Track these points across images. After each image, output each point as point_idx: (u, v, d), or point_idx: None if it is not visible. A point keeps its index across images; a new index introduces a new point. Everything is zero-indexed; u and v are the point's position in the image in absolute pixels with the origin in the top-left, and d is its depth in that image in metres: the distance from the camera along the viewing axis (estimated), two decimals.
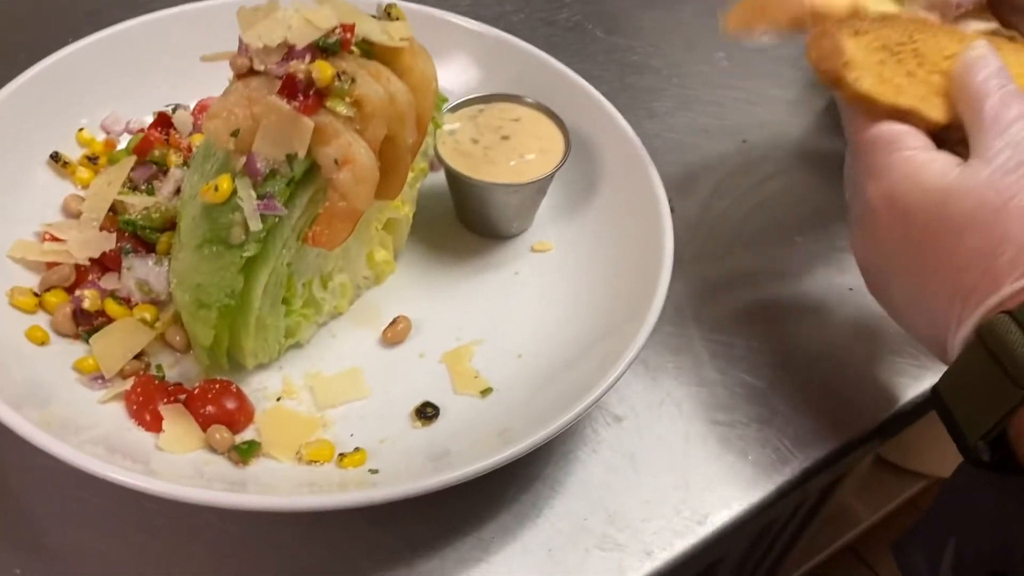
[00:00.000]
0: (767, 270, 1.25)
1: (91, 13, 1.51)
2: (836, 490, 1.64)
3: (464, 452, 0.91)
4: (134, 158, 1.12)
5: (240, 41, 0.90)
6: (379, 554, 0.91)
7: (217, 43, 1.20)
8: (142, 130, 1.20)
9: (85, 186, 1.13)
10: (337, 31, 0.89)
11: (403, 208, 1.09)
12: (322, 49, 0.88)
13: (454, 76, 1.24)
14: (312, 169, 0.90)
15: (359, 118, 0.89)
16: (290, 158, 0.88)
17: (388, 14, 0.99)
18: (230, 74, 1.14)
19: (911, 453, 2.35)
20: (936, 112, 0.86)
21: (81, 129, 1.17)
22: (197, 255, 0.91)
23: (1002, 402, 0.73)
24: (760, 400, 1.09)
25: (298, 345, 1.03)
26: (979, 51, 0.84)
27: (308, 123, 0.85)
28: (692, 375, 1.11)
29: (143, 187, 1.12)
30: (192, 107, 1.22)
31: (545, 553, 0.93)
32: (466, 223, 1.18)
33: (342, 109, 0.87)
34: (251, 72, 0.89)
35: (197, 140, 1.16)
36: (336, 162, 0.88)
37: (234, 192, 0.87)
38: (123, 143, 1.19)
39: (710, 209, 1.33)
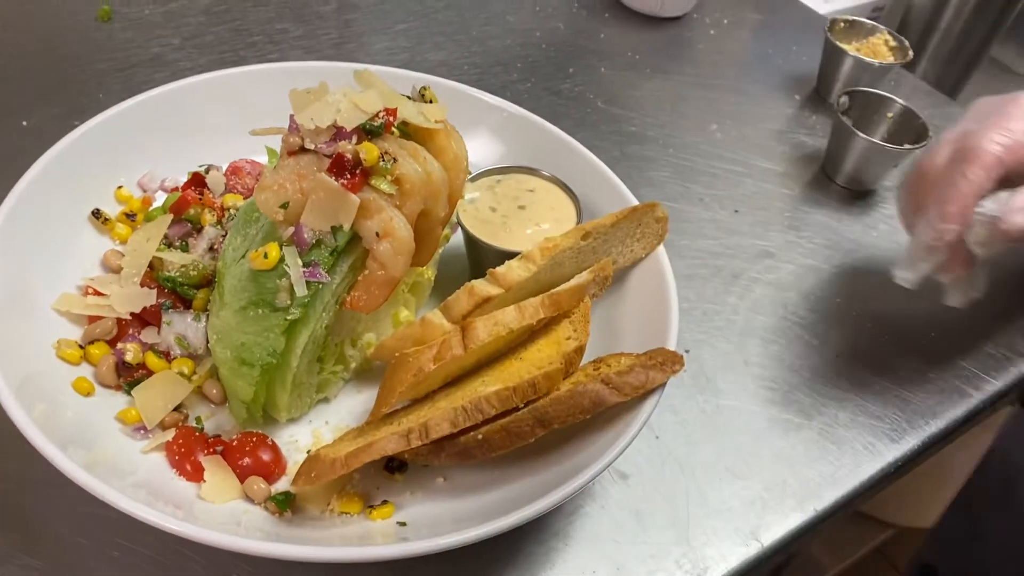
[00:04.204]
0: (762, 336, 1.34)
1: (121, 70, 1.59)
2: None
3: (484, 509, 0.97)
4: (170, 216, 1.18)
5: (291, 120, 0.97)
6: None
7: (249, 108, 1.28)
8: (176, 188, 1.26)
9: (123, 241, 1.19)
10: (381, 114, 0.97)
11: (427, 272, 1.16)
12: (367, 131, 0.96)
13: (475, 147, 1.32)
14: (353, 240, 0.97)
15: (399, 195, 0.96)
16: (335, 230, 0.95)
17: (422, 95, 1.07)
18: (261, 139, 1.23)
19: (880, 502, 2.44)
20: None
21: (120, 187, 1.23)
22: (242, 316, 0.97)
23: None
24: (754, 460, 1.17)
25: (326, 400, 1.10)
26: None
27: (354, 199, 0.93)
28: (692, 434, 1.19)
29: (178, 244, 1.18)
30: (224, 168, 1.29)
31: None
32: None
33: (385, 187, 0.95)
34: (301, 150, 0.96)
35: (229, 200, 1.22)
36: (377, 234, 0.95)
37: (281, 259, 0.94)
38: (158, 200, 1.26)
39: (708, 283, 1.41)
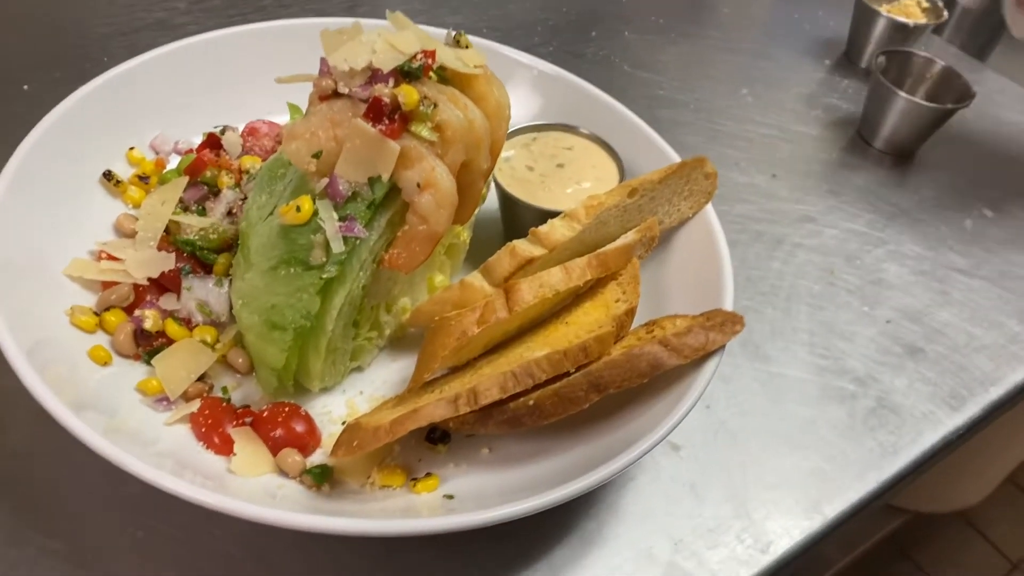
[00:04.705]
0: (808, 303, 1.27)
1: (124, 34, 1.51)
2: None
3: (533, 481, 0.90)
4: (186, 179, 1.11)
5: (323, 62, 0.90)
6: None
7: (265, 66, 1.20)
8: (191, 150, 1.19)
9: (136, 205, 1.12)
10: (419, 56, 0.90)
11: (463, 234, 1.09)
12: (405, 74, 0.89)
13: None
14: (392, 192, 0.89)
15: (440, 143, 0.89)
16: (372, 181, 0.88)
17: (457, 42, 1.00)
18: (282, 98, 1.15)
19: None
20: None
21: (131, 149, 1.16)
22: (271, 276, 0.90)
23: None
24: (810, 428, 1.11)
25: (360, 369, 1.02)
26: None
27: (394, 147, 0.86)
28: (744, 404, 1.12)
29: (194, 208, 1.11)
30: (241, 129, 1.22)
31: None
32: None
33: (426, 133, 0.88)
34: (335, 94, 0.89)
35: (247, 162, 1.15)
36: (418, 185, 0.88)
37: (315, 213, 0.87)
38: (172, 163, 1.18)
39: (750, 248, 1.35)
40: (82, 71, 1.40)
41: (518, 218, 1.13)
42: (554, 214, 1.06)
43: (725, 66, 1.74)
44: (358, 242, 0.88)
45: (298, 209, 0.86)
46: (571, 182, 1.13)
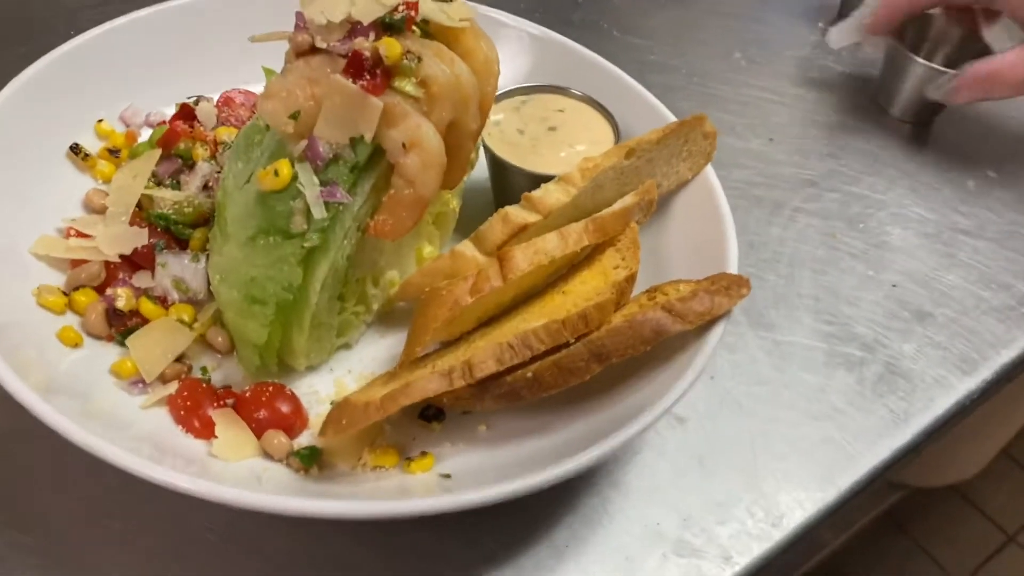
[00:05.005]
0: (812, 268, 1.23)
1: (93, 6, 1.44)
2: None
3: (533, 458, 0.86)
4: (159, 152, 1.05)
5: (298, 17, 0.84)
6: (454, 566, 0.84)
7: (239, 32, 1.14)
8: (163, 122, 1.13)
9: (106, 180, 1.06)
10: (401, 8, 0.84)
11: (452, 201, 1.04)
12: (387, 26, 0.83)
13: None
14: (375, 154, 0.84)
15: (426, 100, 0.84)
16: (354, 142, 0.82)
17: None
18: (259, 65, 1.09)
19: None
20: None
21: (100, 121, 1.10)
22: (250, 247, 0.84)
23: None
24: (818, 397, 1.06)
25: (347, 346, 0.97)
26: None
27: (376, 103, 0.80)
28: (749, 374, 1.07)
29: (168, 182, 1.05)
30: (215, 99, 1.16)
31: (622, 559, 0.88)
32: None
33: (410, 89, 0.82)
34: (312, 50, 0.83)
35: (223, 133, 1.09)
36: (404, 146, 0.82)
37: (294, 178, 0.82)
38: (144, 136, 1.12)
39: (750, 214, 1.30)
40: (49, 46, 1.33)
41: (509, 184, 1.08)
42: (548, 178, 1.01)
43: (717, 30, 1.68)
44: (341, 208, 0.83)
45: (276, 174, 0.81)
46: (564, 145, 1.08)
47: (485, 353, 0.83)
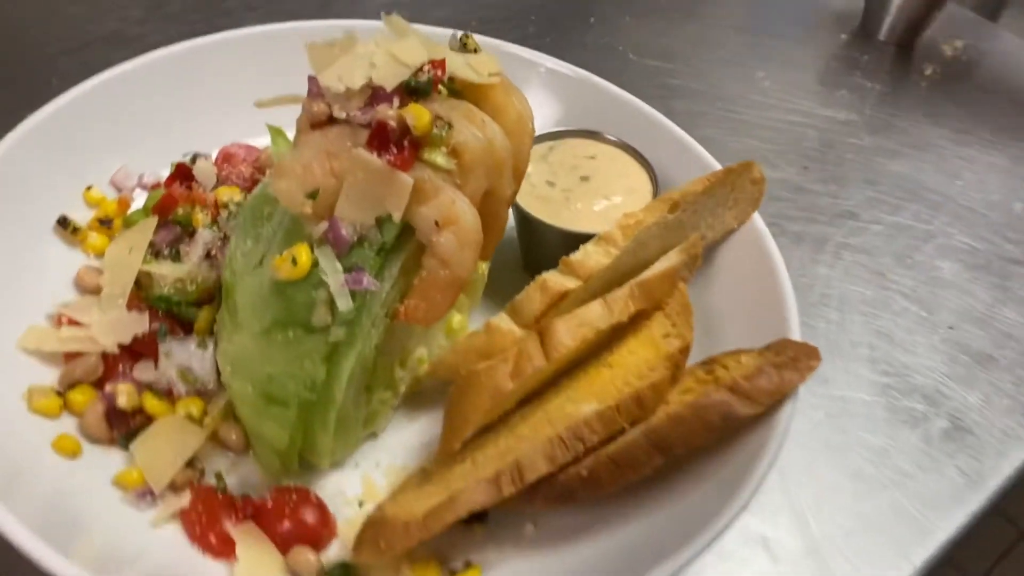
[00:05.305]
0: (862, 312, 1.14)
1: (74, 51, 1.34)
2: None
3: (589, 564, 0.77)
4: (155, 219, 0.95)
5: (312, 83, 0.75)
6: None
7: (237, 81, 1.05)
8: (158, 185, 1.04)
9: (99, 254, 0.96)
10: (426, 68, 0.75)
11: (480, 266, 0.95)
12: (412, 90, 0.74)
13: None
14: (404, 232, 0.75)
15: (458, 171, 0.74)
16: (380, 221, 0.73)
17: (464, 45, 0.85)
18: (259, 116, 1.00)
19: None
20: None
21: (89, 188, 1.00)
22: (266, 340, 0.75)
23: None
24: (883, 461, 0.98)
25: (373, 436, 0.88)
26: None
27: (406, 180, 0.71)
28: (808, 437, 0.99)
29: (167, 252, 0.95)
30: (214, 156, 1.06)
31: None
32: (536, 272, 1.03)
33: (441, 161, 0.73)
34: (329, 120, 0.74)
35: (223, 193, 1.00)
36: (436, 224, 0.73)
37: (315, 265, 0.72)
38: (138, 201, 1.03)
39: (792, 252, 1.21)
40: (28, 96, 1.23)
41: (541, 243, 0.99)
42: (584, 236, 0.92)
43: (735, 47, 1.60)
44: (368, 296, 0.73)
45: (294, 261, 0.72)
46: (599, 197, 0.99)
47: (534, 451, 0.75)
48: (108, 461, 0.80)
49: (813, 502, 0.93)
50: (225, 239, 0.95)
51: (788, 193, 1.31)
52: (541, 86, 1.14)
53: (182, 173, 1.03)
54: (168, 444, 0.80)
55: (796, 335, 0.88)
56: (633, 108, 1.09)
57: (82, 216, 0.98)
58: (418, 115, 0.71)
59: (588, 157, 1.03)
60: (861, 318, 1.14)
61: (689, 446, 0.76)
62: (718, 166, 1.02)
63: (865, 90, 1.53)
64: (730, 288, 0.98)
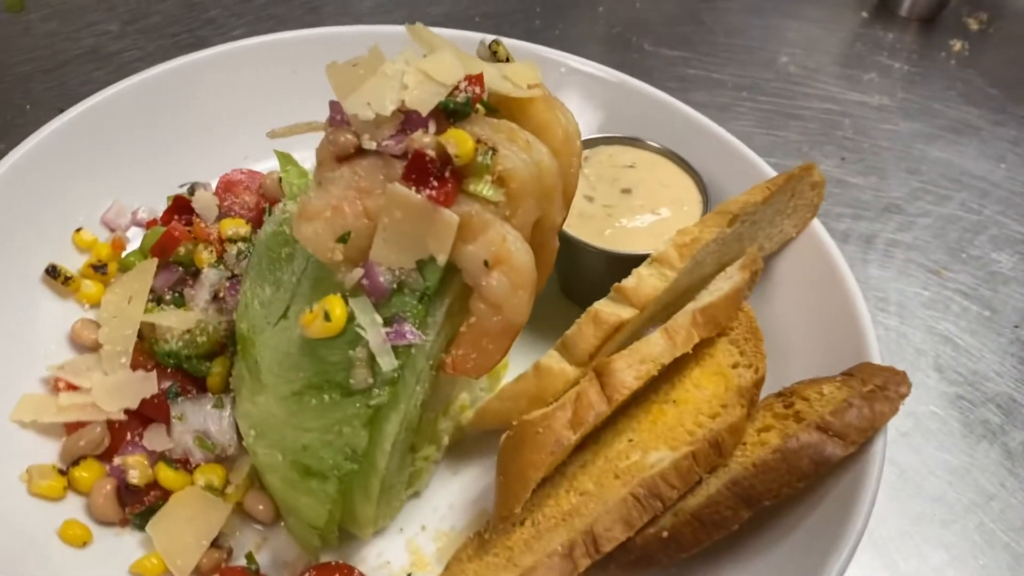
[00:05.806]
0: (922, 315, 1.06)
1: (49, 71, 1.24)
2: None
3: None
4: (154, 261, 0.86)
5: (334, 108, 0.65)
6: None
7: (234, 98, 0.96)
8: (155, 221, 0.94)
9: (94, 304, 0.87)
10: (463, 85, 0.65)
11: None
12: (450, 113, 0.65)
13: None
14: (448, 274, 0.66)
15: (507, 201, 0.65)
16: (422, 265, 0.64)
17: (494, 54, 0.75)
18: (260, 135, 0.90)
19: None
20: None
21: (79, 230, 0.90)
22: (296, 404, 0.66)
23: None
24: (965, 482, 0.91)
25: (416, 495, 0.79)
26: None
27: (451, 217, 0.62)
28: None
29: (169, 297, 0.86)
30: (214, 185, 0.96)
31: None
32: (577, 299, 0.94)
33: (488, 192, 0.64)
34: (358, 152, 0.64)
35: (227, 227, 0.90)
36: (486, 263, 0.64)
37: (350, 319, 0.63)
38: (133, 241, 0.93)
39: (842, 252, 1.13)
40: (2, 123, 1.14)
41: (583, 266, 0.90)
42: (632, 258, 0.83)
43: (755, 31, 1.51)
44: (413, 350, 0.64)
45: (327, 317, 0.62)
46: (644, 211, 0.90)
47: (607, 516, 0.67)
48: (122, 546, 0.71)
49: (896, 534, 0.85)
50: (233, 278, 0.86)
51: (829, 187, 1.21)
52: (566, 88, 1.04)
53: (180, 206, 0.93)
54: (189, 523, 0.71)
55: (876, 357, 0.79)
56: (670, 109, 1.00)
57: (73, 263, 0.88)
58: (460, 141, 0.62)
59: (627, 166, 0.94)
60: (921, 322, 1.06)
61: (778, 496, 0.68)
62: (771, 171, 0.93)
63: (893, 71, 1.44)
64: (793, 304, 0.89)
